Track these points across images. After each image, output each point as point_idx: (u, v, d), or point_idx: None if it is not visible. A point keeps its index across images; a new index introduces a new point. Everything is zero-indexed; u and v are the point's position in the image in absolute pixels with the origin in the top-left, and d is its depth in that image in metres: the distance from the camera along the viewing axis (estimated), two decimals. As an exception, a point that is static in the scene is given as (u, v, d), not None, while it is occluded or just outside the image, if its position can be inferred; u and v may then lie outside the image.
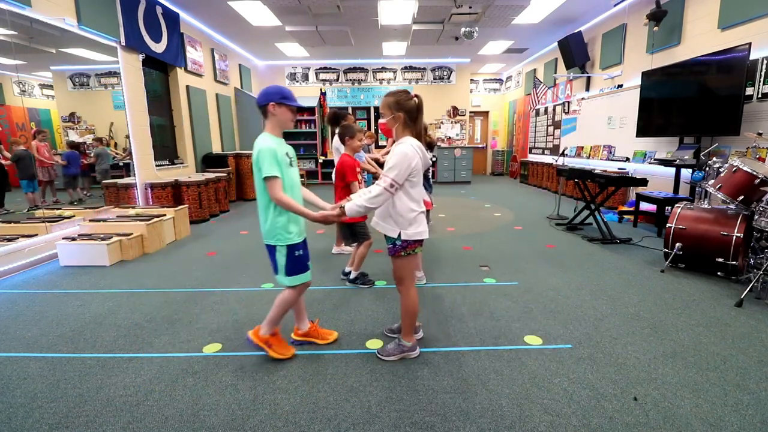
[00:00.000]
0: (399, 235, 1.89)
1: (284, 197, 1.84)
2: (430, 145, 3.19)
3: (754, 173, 2.88)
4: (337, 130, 3.25)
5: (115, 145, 5.49)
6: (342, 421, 1.61)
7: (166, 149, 6.17)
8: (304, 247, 1.99)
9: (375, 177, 3.87)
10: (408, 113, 1.86)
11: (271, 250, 1.94)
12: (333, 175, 3.13)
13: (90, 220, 4.26)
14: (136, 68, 5.25)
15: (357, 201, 1.85)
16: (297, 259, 1.96)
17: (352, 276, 3.10)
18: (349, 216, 1.87)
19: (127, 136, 5.14)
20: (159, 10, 5.62)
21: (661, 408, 1.66)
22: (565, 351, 2.11)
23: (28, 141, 4.69)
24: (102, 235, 3.85)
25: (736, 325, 2.38)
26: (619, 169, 5.80)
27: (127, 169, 5.37)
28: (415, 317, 2.05)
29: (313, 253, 4.01)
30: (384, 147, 7.29)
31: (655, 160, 5.26)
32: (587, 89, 7.51)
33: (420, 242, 1.96)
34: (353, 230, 3.07)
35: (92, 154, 5.29)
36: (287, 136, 9.78)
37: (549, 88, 8.85)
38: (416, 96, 1.89)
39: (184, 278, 3.32)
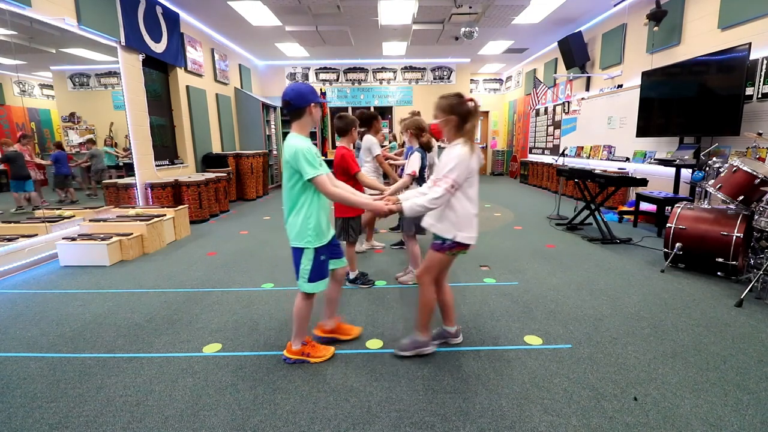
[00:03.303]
0: (454, 236, 1.88)
1: (336, 190, 1.86)
2: (428, 146, 3.18)
3: (754, 173, 2.88)
4: (336, 128, 3.23)
5: (115, 144, 5.48)
6: (342, 421, 1.61)
7: (166, 149, 6.16)
8: (327, 252, 1.98)
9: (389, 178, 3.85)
10: (461, 117, 1.86)
11: (298, 253, 1.92)
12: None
13: (90, 220, 4.26)
14: (136, 68, 5.25)
15: (417, 201, 1.85)
16: (322, 264, 1.94)
17: (351, 276, 3.10)
18: (408, 215, 1.88)
19: (127, 136, 5.14)
20: (159, 10, 5.62)
21: (661, 408, 1.66)
22: (565, 351, 2.11)
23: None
24: (102, 235, 3.85)
25: (736, 325, 2.38)
26: (619, 169, 5.81)
27: (128, 169, 5.35)
28: (431, 313, 2.03)
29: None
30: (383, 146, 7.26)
31: (655, 160, 5.26)
32: (587, 89, 7.51)
33: (466, 247, 1.94)
34: (349, 225, 3.03)
35: (86, 155, 5.23)
36: (286, 136, 9.64)
37: (549, 88, 8.85)
38: (471, 100, 1.89)
39: (184, 278, 3.32)
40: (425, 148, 3.12)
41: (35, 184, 4.73)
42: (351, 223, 3.03)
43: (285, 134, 10.26)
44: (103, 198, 5.21)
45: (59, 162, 5.02)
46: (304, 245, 1.89)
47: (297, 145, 1.79)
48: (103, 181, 5.26)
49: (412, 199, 1.89)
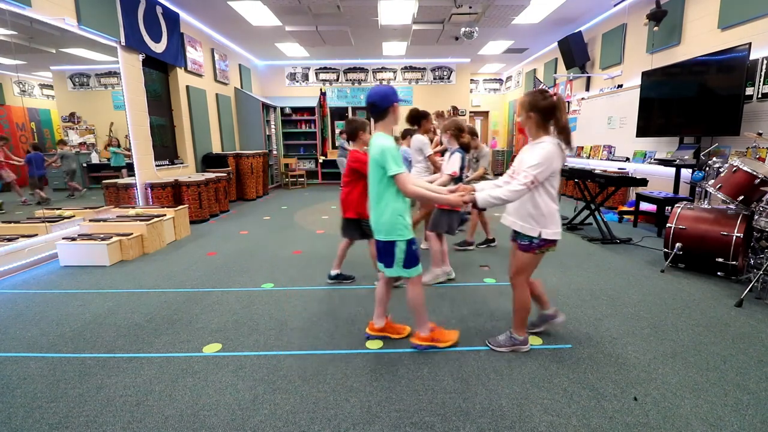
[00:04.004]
0: (540, 234, 1.90)
1: (415, 188, 1.96)
2: (467, 147, 3.12)
3: (754, 173, 2.88)
4: (343, 129, 3.09)
5: (118, 144, 5.44)
6: (342, 421, 1.61)
7: (166, 149, 6.16)
8: (416, 242, 2.06)
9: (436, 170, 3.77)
10: (542, 113, 1.86)
11: (390, 246, 2.00)
12: (343, 175, 2.95)
13: (90, 220, 4.26)
14: (136, 68, 5.25)
15: (492, 192, 1.87)
16: (414, 252, 2.03)
17: (333, 273, 3.13)
18: (481, 206, 1.91)
19: (127, 136, 5.14)
20: (159, 10, 5.62)
21: (661, 408, 1.66)
22: (565, 351, 2.11)
23: (28, 141, 4.69)
24: (102, 235, 3.85)
25: (736, 325, 2.38)
26: (619, 169, 5.80)
27: (128, 169, 5.34)
28: (528, 312, 2.08)
29: (313, 253, 4.01)
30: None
31: (655, 160, 5.26)
32: (587, 89, 7.51)
33: (554, 243, 1.95)
34: (361, 225, 2.92)
35: (55, 156, 5.07)
36: (287, 136, 9.76)
37: (549, 88, 8.84)
38: (555, 95, 1.88)
39: (184, 278, 3.32)
40: (465, 148, 3.08)
41: (5, 185, 4.59)
42: (363, 223, 2.90)
43: (285, 134, 10.31)
44: (103, 198, 5.20)
45: (33, 163, 4.83)
46: (395, 238, 1.98)
47: (384, 143, 1.91)
48: (103, 181, 5.24)
49: (486, 191, 1.92)
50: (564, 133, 1.85)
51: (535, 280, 2.18)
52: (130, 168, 5.29)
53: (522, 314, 2.07)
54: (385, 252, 2.03)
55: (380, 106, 1.97)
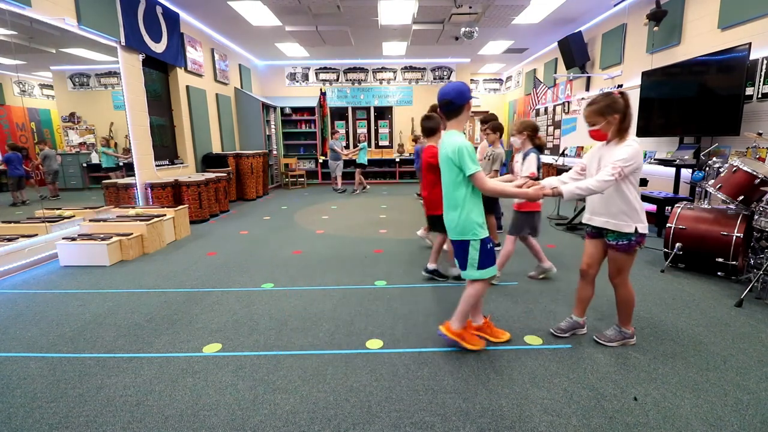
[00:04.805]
0: (636, 229, 1.93)
1: (494, 185, 1.95)
2: (541, 147, 3.13)
3: (754, 173, 2.88)
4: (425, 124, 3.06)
5: (115, 145, 5.47)
6: (342, 421, 1.61)
7: (166, 149, 6.16)
8: (491, 240, 2.04)
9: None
10: (621, 113, 1.92)
11: (464, 245, 1.98)
12: (420, 170, 2.96)
13: (90, 220, 4.26)
14: (136, 68, 5.25)
15: (579, 184, 1.90)
16: (489, 252, 2.00)
17: (430, 268, 3.15)
18: (567, 199, 1.93)
19: (127, 136, 5.14)
20: (159, 10, 5.62)
21: (661, 408, 1.66)
22: (565, 351, 2.11)
23: (28, 141, 4.69)
24: (102, 235, 3.85)
25: (736, 325, 2.38)
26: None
27: (128, 169, 5.34)
28: (633, 306, 2.12)
29: (313, 253, 4.01)
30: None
31: (655, 160, 5.26)
32: (587, 89, 7.51)
33: (645, 236, 2.00)
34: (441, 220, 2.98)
35: (38, 156, 4.98)
36: (287, 136, 9.73)
37: (549, 88, 8.84)
38: (621, 93, 1.95)
39: (184, 278, 3.32)
40: (539, 149, 3.07)
41: None
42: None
43: (285, 134, 10.30)
44: (103, 198, 5.20)
45: (11, 163, 4.70)
46: (470, 237, 1.96)
47: (460, 141, 1.88)
48: (103, 182, 5.24)
49: (572, 183, 1.95)
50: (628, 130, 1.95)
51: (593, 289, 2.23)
52: (128, 168, 5.29)
53: (628, 309, 2.11)
54: (459, 252, 2.01)
55: (457, 102, 1.93)
